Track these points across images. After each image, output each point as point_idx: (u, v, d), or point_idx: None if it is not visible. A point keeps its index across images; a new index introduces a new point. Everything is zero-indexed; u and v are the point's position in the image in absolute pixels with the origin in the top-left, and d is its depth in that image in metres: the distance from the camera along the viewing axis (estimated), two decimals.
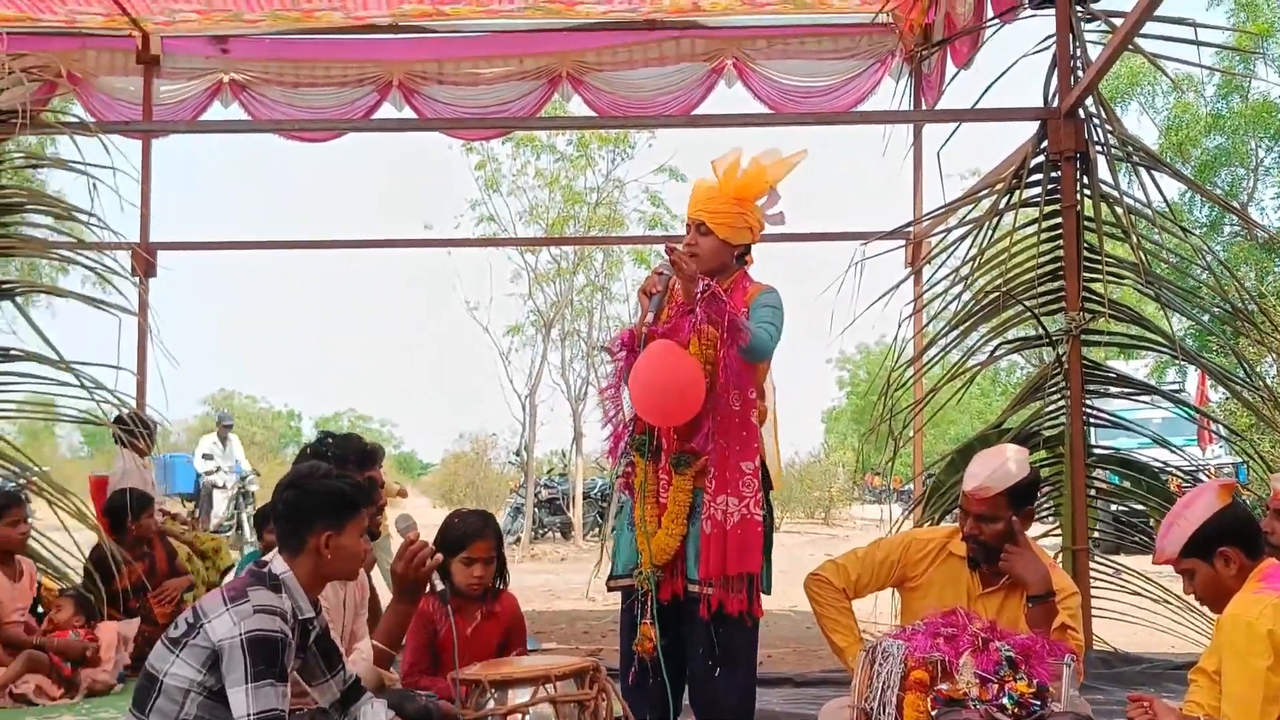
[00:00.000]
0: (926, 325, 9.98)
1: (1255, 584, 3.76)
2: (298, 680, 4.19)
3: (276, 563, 4.07)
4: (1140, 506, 8.55)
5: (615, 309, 25.33)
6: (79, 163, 8.66)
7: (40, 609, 7.97)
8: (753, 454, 5.12)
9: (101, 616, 7.82)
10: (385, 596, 5.71)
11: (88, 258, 9.31)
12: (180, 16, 11.57)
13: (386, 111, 11.93)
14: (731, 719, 5.19)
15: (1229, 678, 3.64)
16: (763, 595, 5.19)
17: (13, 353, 8.91)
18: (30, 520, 7.84)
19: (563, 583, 15.84)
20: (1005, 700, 4.04)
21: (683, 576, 5.11)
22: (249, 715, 3.77)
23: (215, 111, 12.08)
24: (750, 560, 5.07)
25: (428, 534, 4.88)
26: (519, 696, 4.51)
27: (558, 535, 25.47)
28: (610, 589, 5.33)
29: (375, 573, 7.00)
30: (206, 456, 19.75)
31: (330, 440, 5.04)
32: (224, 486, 19.66)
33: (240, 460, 20.07)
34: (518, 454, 26.69)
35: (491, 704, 4.52)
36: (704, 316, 5.01)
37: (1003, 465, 4.80)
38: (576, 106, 13.03)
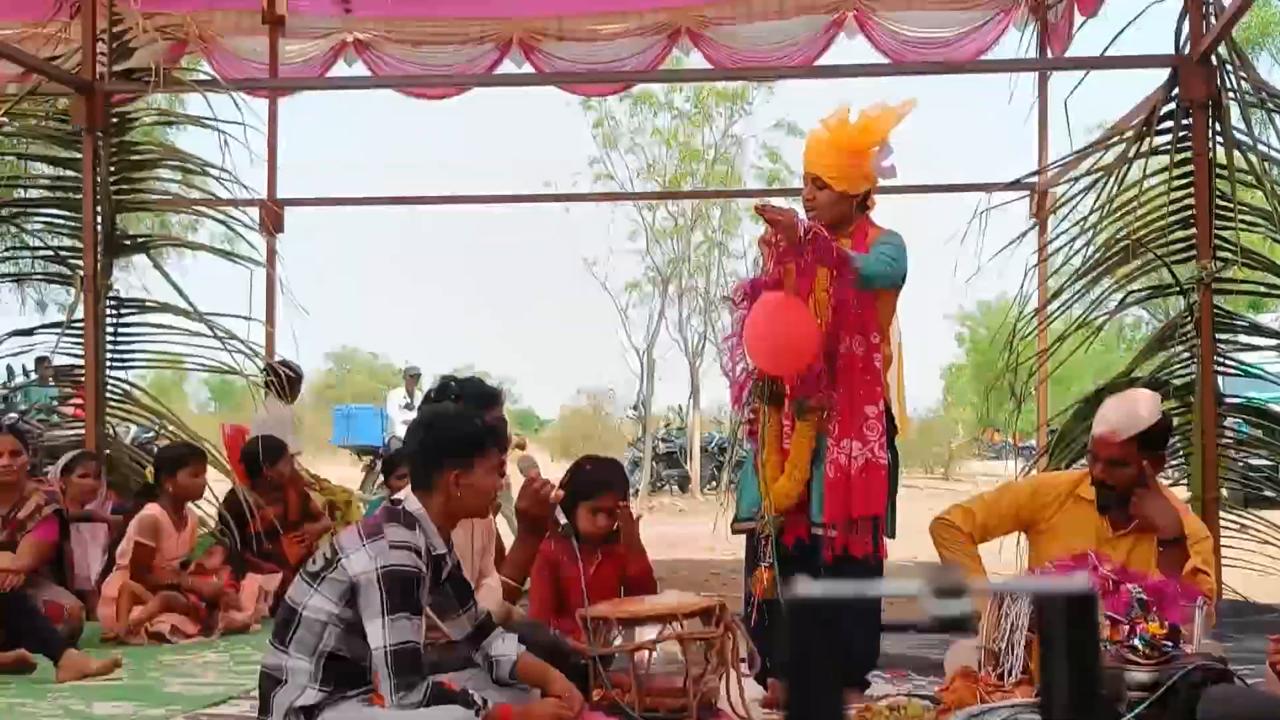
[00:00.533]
0: (1051, 275, 9.85)
1: None
2: (430, 615, 4.29)
3: (410, 501, 4.16)
4: (1272, 461, 8.39)
5: (733, 265, 25.34)
6: (210, 118, 8.84)
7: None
8: (877, 397, 5.12)
9: (243, 566, 8.07)
10: (508, 541, 5.82)
11: (218, 212, 9.52)
12: None
13: (506, 68, 12.00)
14: (857, 661, 5.22)
15: None
16: (887, 539, 5.20)
17: (148, 303, 9.14)
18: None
19: (681, 534, 15.89)
20: (1137, 641, 4.03)
21: (806, 520, 5.14)
22: (385, 647, 3.87)
23: (339, 70, 12.25)
24: (875, 503, 5.08)
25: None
26: (646, 634, 4.59)
27: (675, 488, 25.60)
28: (735, 532, 5.35)
29: (500, 517, 7.11)
30: (406, 406, 19.49)
31: (454, 384, 5.12)
32: None
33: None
34: (635, 408, 26.86)
35: (619, 640, 4.60)
36: (813, 259, 5.02)
37: (1134, 410, 4.77)
38: (696, 62, 12.99)
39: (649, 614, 4.63)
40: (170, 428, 9.18)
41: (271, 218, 11.06)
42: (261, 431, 9.15)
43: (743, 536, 5.36)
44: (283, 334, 10.91)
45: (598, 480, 5.31)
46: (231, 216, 9.44)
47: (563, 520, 4.83)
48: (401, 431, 18.53)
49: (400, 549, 3.96)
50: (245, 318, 8.98)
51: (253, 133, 9.03)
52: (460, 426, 4.23)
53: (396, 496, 4.29)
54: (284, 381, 9.29)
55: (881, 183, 5.35)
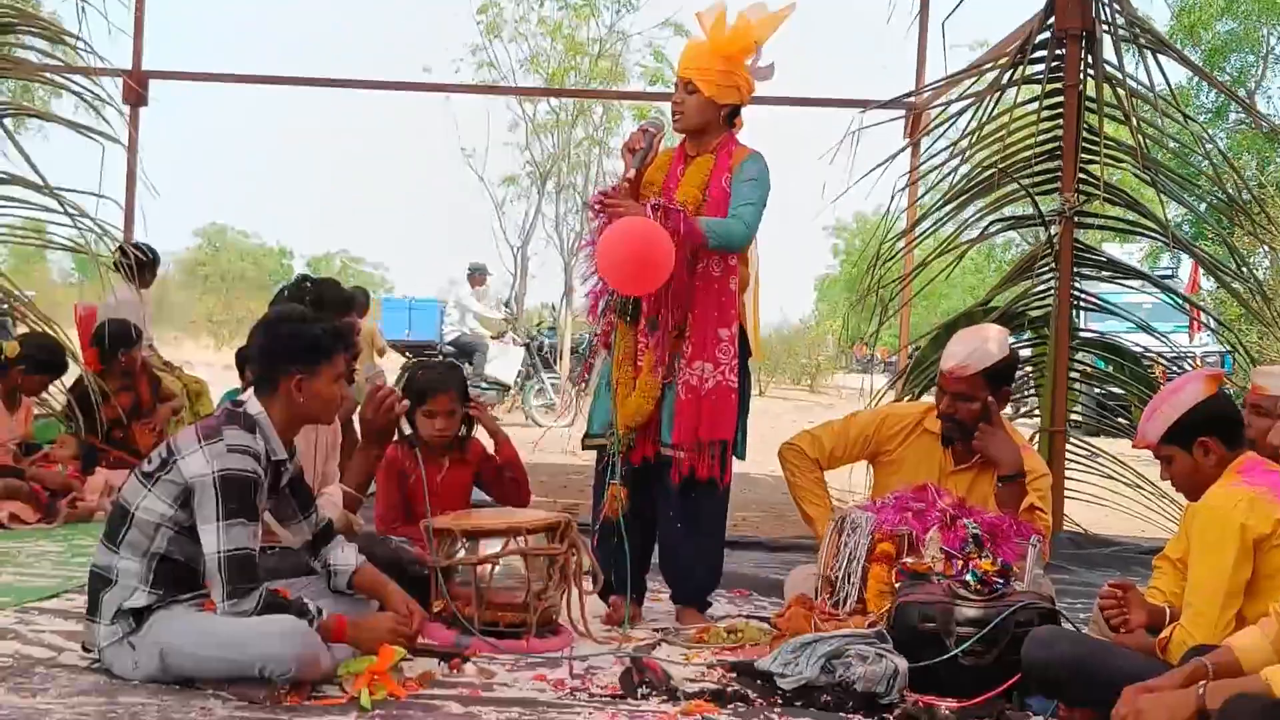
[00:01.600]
0: (921, 198, 9.90)
1: (1233, 476, 3.76)
2: (269, 520, 4.22)
3: (251, 403, 4.06)
4: (1121, 391, 8.58)
5: (612, 163, 25.18)
6: None
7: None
8: (731, 320, 5.10)
9: (94, 457, 7.91)
10: None
11: (77, 83, 9.17)
12: None
13: None
14: (699, 581, 5.26)
15: (1197, 567, 3.67)
16: (735, 461, 5.22)
17: None
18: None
19: (546, 435, 15.89)
20: (969, 577, 4.09)
21: (655, 440, 5.13)
22: (219, 552, 3.80)
23: None
24: (723, 427, 5.07)
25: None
26: (490, 547, 4.57)
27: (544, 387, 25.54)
28: (585, 448, 5.34)
29: (355, 418, 7.02)
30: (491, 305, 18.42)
31: (308, 284, 5.01)
32: (501, 337, 18.40)
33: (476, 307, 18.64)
34: (507, 304, 26.70)
35: (462, 553, 4.57)
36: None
37: (982, 345, 4.81)
38: None
39: (493, 527, 4.60)
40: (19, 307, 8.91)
41: (132, 93, 10.71)
42: (109, 316, 8.93)
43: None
44: (141, 213, 10.62)
45: (427, 384, 5.21)
46: (89, 90, 9.09)
47: (407, 430, 4.77)
48: (471, 328, 17.70)
49: (238, 453, 3.87)
50: (97, 195, 8.69)
51: (117, 2, 8.67)
52: (305, 331, 4.10)
53: (239, 398, 4.17)
54: (134, 265, 9.01)
55: (757, 87, 5.30)
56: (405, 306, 19.93)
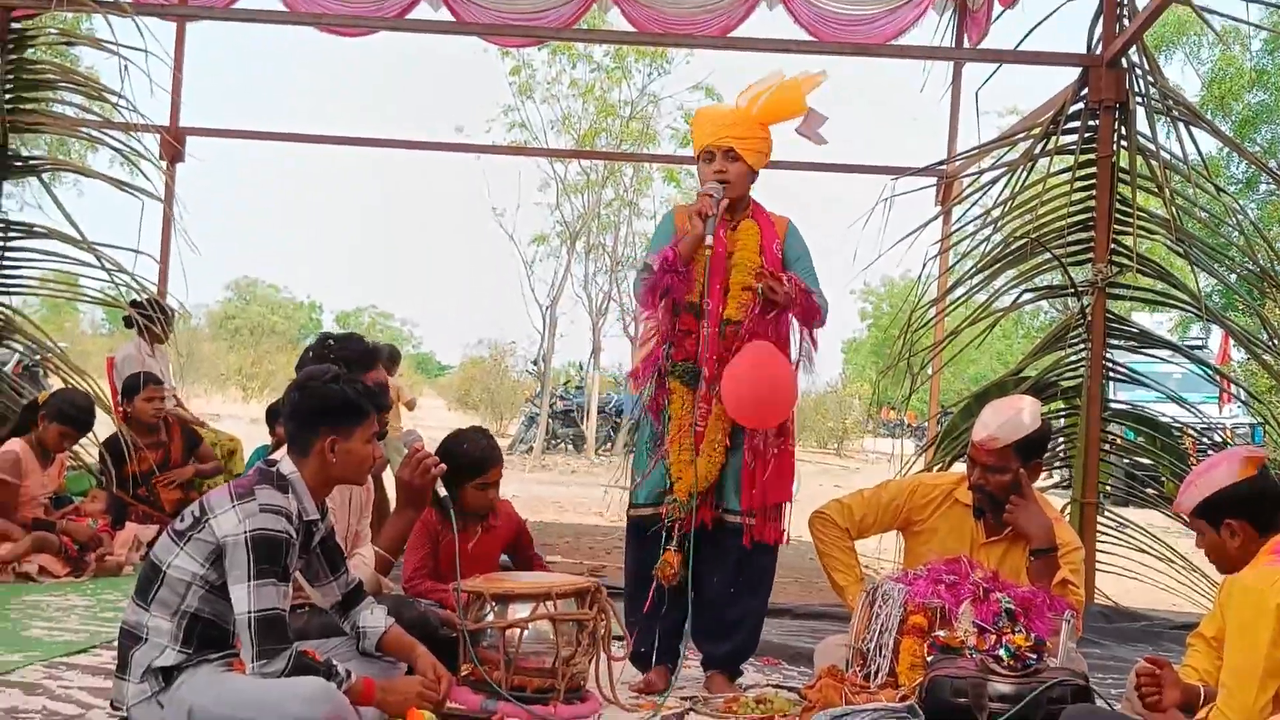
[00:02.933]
0: (953, 265, 9.92)
1: (1268, 556, 3.74)
2: (299, 580, 4.21)
3: (285, 463, 4.07)
4: (1151, 462, 8.53)
5: (642, 225, 25.31)
6: (112, 43, 8.60)
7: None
8: None
9: (123, 512, 7.98)
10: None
11: (116, 139, 9.28)
12: None
13: (423, 11, 11.81)
14: (740, 645, 5.26)
15: (1232, 648, 3.63)
16: None
17: (36, 229, 8.93)
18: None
19: (571, 495, 15.90)
20: (1001, 652, 4.05)
21: (711, 506, 5.11)
22: (250, 612, 3.79)
23: (250, 0, 11.99)
24: (785, 490, 5.19)
25: (434, 444, 4.91)
26: (519, 611, 4.55)
27: (570, 447, 25.60)
28: (632, 519, 5.28)
29: (387, 473, 7.02)
30: None
31: (332, 341, 4.98)
32: None
33: None
34: (535, 364, 26.80)
35: (491, 616, 4.56)
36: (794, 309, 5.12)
37: (1014, 417, 4.78)
38: (615, 18, 12.90)
39: (523, 591, 4.59)
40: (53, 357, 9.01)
41: (169, 148, 10.83)
42: (121, 368, 9.13)
43: (621, 506, 5.36)
44: (176, 267, 10.69)
45: (483, 457, 5.22)
46: (127, 145, 9.20)
47: (443, 492, 4.76)
48: None
49: (270, 512, 3.87)
50: (135, 250, 8.79)
51: (157, 60, 8.77)
52: (337, 392, 4.11)
53: (272, 457, 4.17)
54: (149, 320, 9.09)
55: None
56: None
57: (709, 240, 5.01)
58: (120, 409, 8.76)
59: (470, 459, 5.09)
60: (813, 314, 5.13)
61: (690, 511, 5.05)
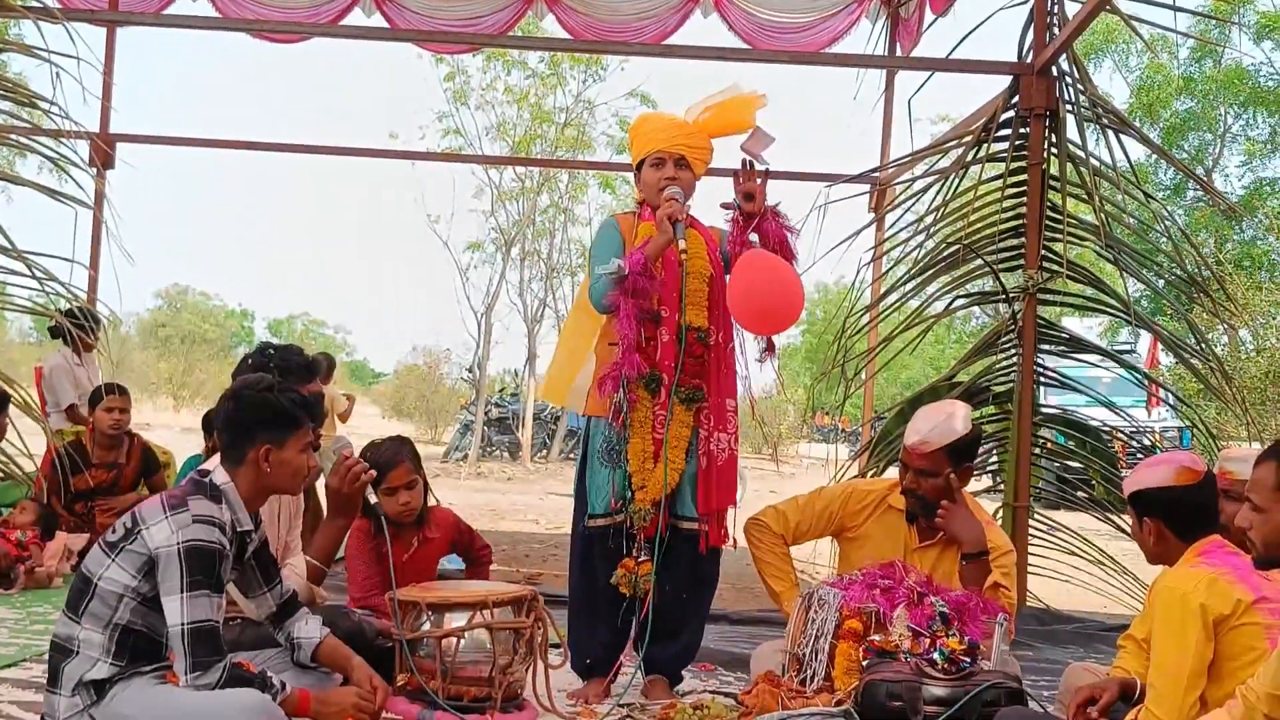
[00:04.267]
0: (886, 272, 9.99)
1: (1194, 558, 3.80)
2: (233, 592, 4.18)
3: (218, 473, 4.03)
4: (1081, 465, 8.62)
5: (578, 231, 25.30)
6: (41, 49, 8.48)
7: None
8: (734, 390, 5.27)
9: (57, 524, 7.87)
10: None
11: (45, 145, 9.17)
12: None
13: (357, 17, 11.75)
14: (683, 650, 5.30)
15: (1160, 648, 3.67)
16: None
17: None
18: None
19: (508, 503, 15.86)
20: (936, 655, 4.09)
21: (666, 512, 5.09)
22: (183, 624, 3.75)
23: (182, 5, 11.89)
24: (732, 494, 5.26)
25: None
26: (455, 620, 4.54)
27: (506, 455, 25.53)
28: (590, 529, 5.24)
29: (320, 483, 6.98)
30: None
31: (272, 350, 4.96)
32: None
33: None
34: (470, 371, 26.71)
35: (427, 625, 4.55)
36: (772, 236, 5.12)
37: (945, 421, 4.82)
38: (551, 25, 12.89)
39: (459, 600, 4.58)
40: None
41: (100, 154, 10.71)
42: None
43: (565, 512, 5.36)
44: (107, 274, 10.59)
45: (381, 461, 5.10)
46: (58, 153, 9.09)
47: (373, 499, 4.74)
48: None
49: (203, 523, 3.84)
50: (67, 259, 8.68)
51: (88, 65, 8.67)
52: (273, 401, 4.08)
53: (204, 467, 4.14)
54: (77, 328, 9.00)
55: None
56: None
57: (682, 245, 5.02)
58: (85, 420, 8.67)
59: (373, 465, 4.96)
60: (784, 247, 5.14)
61: (653, 519, 5.06)
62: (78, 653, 3.84)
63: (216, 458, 4.13)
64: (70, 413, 9.34)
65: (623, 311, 5.07)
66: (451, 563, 5.85)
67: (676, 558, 5.13)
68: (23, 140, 9.41)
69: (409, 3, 11.78)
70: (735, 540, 5.28)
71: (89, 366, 9.67)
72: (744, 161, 5.17)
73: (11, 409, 8.09)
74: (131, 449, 8.58)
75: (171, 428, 22.78)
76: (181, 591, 3.76)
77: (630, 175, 5.40)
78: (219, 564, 3.86)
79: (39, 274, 8.47)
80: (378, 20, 11.74)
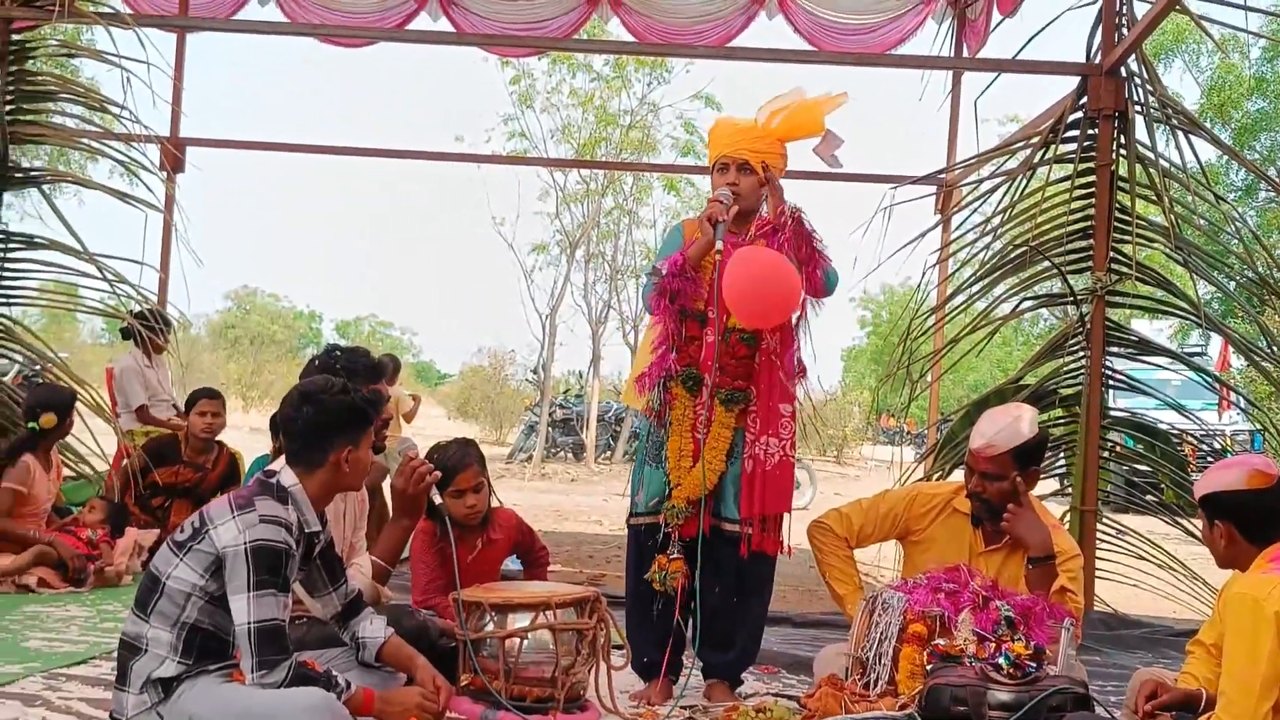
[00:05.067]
0: (952, 273, 9.92)
1: (1265, 564, 3.76)
2: (299, 591, 4.21)
3: (285, 474, 4.06)
4: (1150, 469, 8.53)
5: (642, 234, 25.32)
6: (113, 54, 8.61)
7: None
8: (791, 398, 5.20)
9: (128, 520, 7.98)
10: None
11: (116, 150, 9.30)
12: None
13: (423, 21, 11.84)
14: (740, 655, 5.25)
15: (1231, 655, 3.63)
16: None
17: (37, 240, 8.94)
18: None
19: (571, 504, 15.88)
20: (1001, 660, 4.06)
21: (710, 513, 5.11)
22: (249, 623, 3.79)
23: (252, 10, 12.02)
24: (785, 500, 5.17)
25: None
26: (518, 621, 4.55)
27: (570, 456, 25.58)
28: (631, 525, 5.29)
29: (386, 487, 7.03)
30: None
31: (339, 353, 5.01)
32: None
33: None
34: (535, 372, 26.79)
35: (490, 626, 4.56)
36: (789, 243, 5.05)
37: (1011, 424, 4.79)
38: (615, 27, 12.91)
39: (522, 601, 4.59)
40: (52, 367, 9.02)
41: (170, 158, 10.84)
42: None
43: (621, 514, 5.36)
44: (176, 276, 10.70)
45: (448, 464, 5.12)
46: (128, 155, 9.21)
47: (438, 500, 4.77)
48: None
49: (270, 523, 3.88)
50: (137, 262, 8.81)
51: (158, 70, 8.78)
52: (349, 402, 4.13)
53: (271, 468, 4.17)
54: (161, 328, 9.12)
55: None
56: None
57: (719, 245, 5.01)
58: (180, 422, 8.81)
59: (440, 467, 4.97)
60: (813, 255, 5.10)
61: (688, 518, 5.06)
62: (146, 650, 3.89)
63: (282, 459, 4.16)
64: (140, 413, 9.45)
65: (658, 312, 5.14)
66: (511, 564, 5.87)
67: (721, 561, 5.13)
68: (94, 145, 9.55)
69: (474, 6, 11.85)
70: (789, 548, 5.25)
71: (159, 368, 9.79)
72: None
73: (83, 409, 8.21)
74: (220, 456, 8.70)
75: (240, 428, 23.01)
76: (248, 590, 3.79)
77: (695, 178, 5.40)
78: (285, 563, 3.89)
79: (110, 276, 8.60)
80: (443, 24, 11.82)
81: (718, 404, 5.11)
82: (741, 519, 5.11)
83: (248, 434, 20.23)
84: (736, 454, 5.14)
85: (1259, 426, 10.35)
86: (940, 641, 4.28)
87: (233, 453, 8.79)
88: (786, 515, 5.22)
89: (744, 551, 5.11)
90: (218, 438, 8.72)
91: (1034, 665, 4.06)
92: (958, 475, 6.37)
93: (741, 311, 4.97)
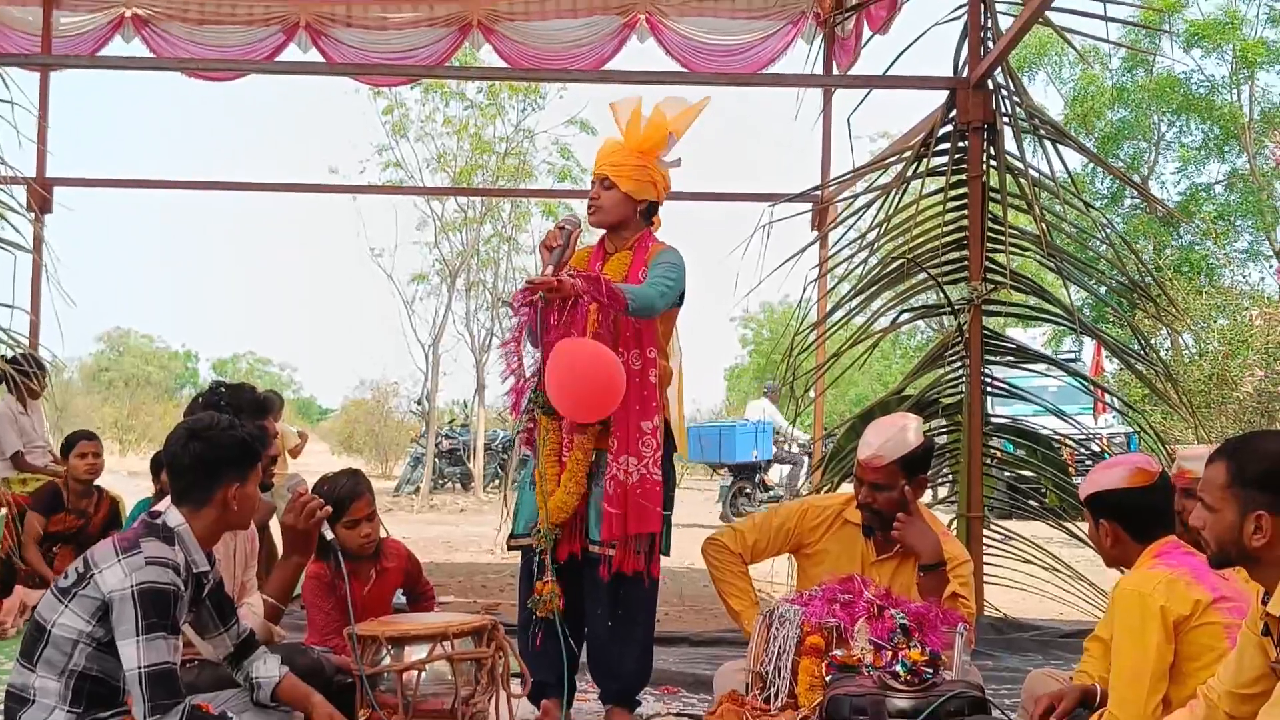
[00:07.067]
0: (831, 289, 10.04)
1: (1150, 559, 3.84)
2: (189, 633, 4.14)
3: (171, 514, 3.99)
4: (1032, 474, 8.68)
5: (521, 260, 25.26)
6: None
7: None
8: (653, 413, 5.14)
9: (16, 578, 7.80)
10: None
11: None
12: None
13: (292, 53, 11.71)
14: (629, 679, 5.23)
15: (1120, 651, 3.70)
16: (661, 556, 5.22)
17: None
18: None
19: (461, 534, 15.79)
20: (898, 667, 4.08)
21: (581, 536, 5.12)
22: (139, 668, 3.71)
23: (117, 46, 11.80)
24: (650, 520, 5.10)
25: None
26: (415, 653, 4.50)
27: (458, 486, 25.43)
28: (510, 548, 5.31)
29: (274, 525, 6.93)
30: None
31: (223, 389, 4.94)
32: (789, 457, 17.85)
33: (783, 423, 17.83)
34: (419, 403, 26.61)
35: (387, 660, 4.51)
36: (588, 299, 5.02)
37: (897, 434, 4.85)
38: (487, 55, 12.90)
39: (418, 632, 4.55)
40: None
41: (38, 199, 10.61)
42: None
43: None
44: (48, 319, 10.46)
45: (341, 494, 5.07)
46: None
47: (329, 535, 4.71)
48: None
49: (157, 565, 3.80)
50: (6, 305, 8.60)
51: (22, 110, 8.59)
52: (239, 436, 4.07)
53: (156, 509, 4.10)
54: (36, 374, 8.93)
55: (671, 183, 5.40)
56: (716, 433, 19.34)
57: (548, 271, 5.01)
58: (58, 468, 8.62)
59: (331, 500, 4.93)
60: (612, 301, 4.98)
61: (557, 541, 5.05)
62: (34, 701, 3.79)
63: (167, 499, 4.09)
64: (16, 460, 9.23)
65: (512, 341, 5.20)
66: (398, 599, 5.82)
67: (594, 585, 5.12)
68: None
69: (344, 36, 11.76)
70: (647, 572, 5.16)
71: (34, 414, 9.57)
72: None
73: None
74: (101, 499, 8.56)
75: (118, 472, 22.51)
76: (137, 634, 3.71)
77: (573, 202, 5.44)
78: (174, 605, 3.82)
79: None
80: (314, 55, 11.70)
81: (545, 417, 5.14)
82: (602, 540, 5.09)
83: (126, 478, 19.80)
84: (598, 475, 5.14)
85: (1135, 428, 10.58)
86: (838, 652, 4.30)
87: (113, 497, 8.62)
88: (653, 535, 5.16)
89: (604, 573, 5.08)
90: (96, 481, 8.55)
91: (930, 671, 4.10)
92: (846, 488, 6.43)
93: (564, 410, 5.01)
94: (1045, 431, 8.73)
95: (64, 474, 8.46)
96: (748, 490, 17.51)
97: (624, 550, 5.08)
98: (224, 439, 4.03)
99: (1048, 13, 7.67)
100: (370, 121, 32.74)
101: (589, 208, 5.31)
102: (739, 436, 18.24)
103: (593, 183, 5.35)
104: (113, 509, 8.62)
